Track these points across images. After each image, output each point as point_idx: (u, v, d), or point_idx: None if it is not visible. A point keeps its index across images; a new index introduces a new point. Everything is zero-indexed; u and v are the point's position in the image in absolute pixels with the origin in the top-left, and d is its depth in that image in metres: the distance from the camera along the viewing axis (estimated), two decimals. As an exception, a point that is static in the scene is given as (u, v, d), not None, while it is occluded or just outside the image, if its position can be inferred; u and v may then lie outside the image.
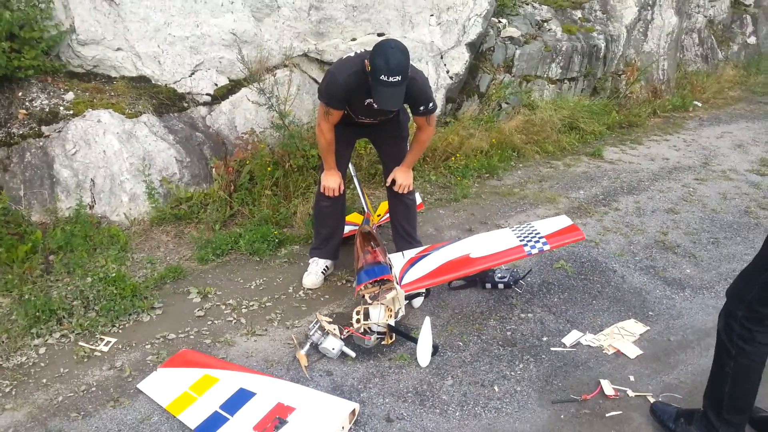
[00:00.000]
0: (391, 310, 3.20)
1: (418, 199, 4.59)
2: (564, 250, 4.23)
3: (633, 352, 3.14)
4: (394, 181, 3.69)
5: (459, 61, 6.26)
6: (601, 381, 2.90)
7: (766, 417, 2.62)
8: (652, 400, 2.80)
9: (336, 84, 3.25)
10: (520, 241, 3.48)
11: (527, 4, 7.69)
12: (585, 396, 2.81)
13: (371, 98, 3.22)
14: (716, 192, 5.48)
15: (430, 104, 3.35)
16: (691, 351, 3.20)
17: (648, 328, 3.37)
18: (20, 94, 4.61)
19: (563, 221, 3.63)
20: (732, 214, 4.98)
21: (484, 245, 3.53)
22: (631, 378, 2.96)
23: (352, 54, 3.30)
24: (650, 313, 3.53)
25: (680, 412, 2.60)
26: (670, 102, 8.34)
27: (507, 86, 6.64)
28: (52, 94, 4.69)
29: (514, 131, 6.30)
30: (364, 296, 3.27)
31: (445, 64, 6.20)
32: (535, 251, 3.42)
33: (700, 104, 8.74)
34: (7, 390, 2.84)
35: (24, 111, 4.56)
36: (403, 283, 3.35)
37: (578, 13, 8.03)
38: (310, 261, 3.89)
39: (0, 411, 2.71)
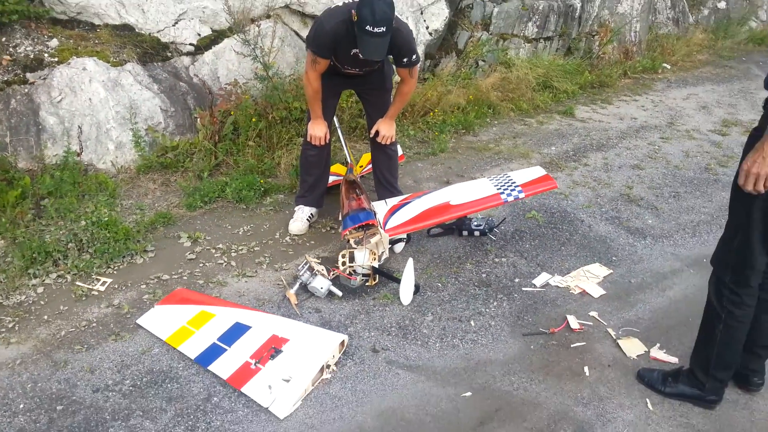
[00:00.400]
0: (375, 254, 3.41)
1: (400, 151, 4.76)
2: (535, 201, 4.47)
3: (597, 291, 3.42)
4: (377, 133, 3.84)
5: (439, 18, 6.36)
6: (568, 316, 3.18)
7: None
8: (612, 333, 3.09)
9: (323, 32, 3.36)
10: (497, 189, 3.69)
11: (505, -38, 7.76)
12: (553, 329, 3.08)
13: (357, 48, 3.35)
14: (680, 150, 5.76)
15: (414, 56, 3.49)
16: (649, 291, 3.49)
17: (611, 271, 3.65)
18: (4, 40, 4.60)
19: (537, 171, 3.85)
20: (693, 171, 5.27)
21: (463, 193, 3.74)
22: (594, 314, 3.24)
23: (340, 3, 3.40)
24: (613, 258, 3.81)
25: (665, 373, 2.76)
26: (640, 64, 8.56)
27: (484, 44, 6.76)
28: (36, 40, 4.69)
29: (491, 89, 6.46)
30: (349, 241, 3.46)
31: (425, 20, 6.30)
32: (511, 199, 3.64)
33: (669, 66, 8.98)
34: (11, 326, 2.99)
35: (8, 57, 4.57)
36: (386, 228, 3.54)
37: (555, -27, 8.13)
38: (296, 209, 4.04)
39: (6, 345, 2.87)
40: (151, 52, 5.03)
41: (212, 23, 5.25)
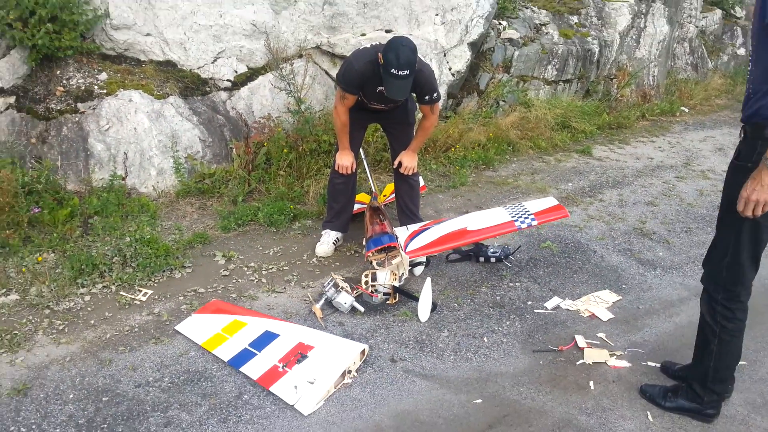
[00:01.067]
0: (395, 274, 3.65)
1: (421, 182, 5.03)
2: (550, 232, 4.69)
3: (605, 315, 3.60)
4: (400, 164, 4.12)
5: (461, 59, 6.69)
6: (576, 336, 3.36)
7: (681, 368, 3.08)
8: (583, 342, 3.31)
9: (352, 71, 3.68)
10: (512, 217, 3.92)
11: (527, 8, 8.14)
12: (561, 347, 3.27)
13: (382, 86, 3.65)
14: (694, 189, 5.95)
15: (435, 94, 3.79)
16: (656, 317, 3.66)
17: (620, 297, 3.83)
18: (58, 72, 5.03)
19: (550, 201, 4.07)
20: (706, 209, 5.44)
21: (480, 220, 3.97)
22: (602, 335, 3.42)
23: (368, 45, 3.73)
24: (624, 286, 3.99)
25: (666, 388, 2.92)
26: (658, 106, 8.81)
27: (505, 85, 7.08)
28: (87, 73, 5.11)
29: (510, 127, 6.74)
30: (372, 262, 3.71)
31: (447, 62, 6.63)
32: (524, 226, 3.86)
33: (687, 110, 9.21)
34: (61, 328, 3.27)
35: (62, 88, 4.98)
36: (407, 250, 3.78)
37: (575, 19, 8.48)
38: (323, 232, 4.31)
39: (56, 344, 3.14)
40: (192, 86, 5.42)
41: (248, 61, 5.64)
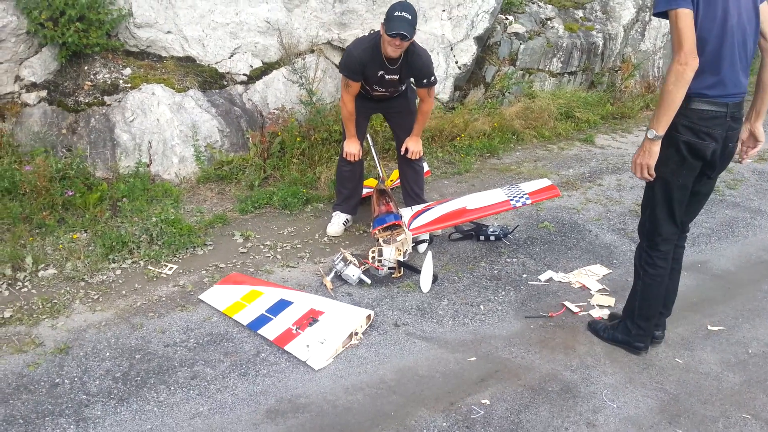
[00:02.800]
0: (400, 250, 3.94)
1: (426, 167, 5.32)
2: (549, 214, 4.96)
3: (595, 286, 3.87)
4: (407, 150, 4.40)
5: (467, 53, 6.95)
6: (565, 302, 3.65)
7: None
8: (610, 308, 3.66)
9: (352, 58, 3.98)
10: (508, 197, 4.21)
11: (533, 3, 8.37)
12: (552, 313, 3.55)
13: (383, 70, 3.96)
14: (691, 174, 6.17)
15: (432, 78, 4.07)
16: (643, 288, 3.92)
17: (610, 271, 4.11)
18: (86, 68, 5.38)
19: (544, 182, 4.35)
20: (701, 192, 5.66)
21: (478, 200, 4.26)
22: (591, 301, 3.70)
23: (366, 34, 4.02)
24: (615, 261, 4.26)
25: (608, 324, 3.39)
26: (662, 97, 9.00)
27: (510, 77, 7.34)
28: (112, 69, 5.45)
29: (515, 117, 7.00)
30: (378, 239, 4.01)
31: (454, 56, 6.90)
32: (519, 204, 4.14)
33: (691, 100, 9.39)
34: (96, 297, 3.61)
35: (89, 83, 5.33)
36: (411, 228, 4.08)
37: (580, 13, 8.70)
38: (333, 214, 4.60)
39: (92, 311, 3.48)
40: (210, 80, 5.75)
41: (263, 56, 5.95)
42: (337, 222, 4.53)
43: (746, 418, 2.85)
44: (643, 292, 3.12)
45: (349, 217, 4.61)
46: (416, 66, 3.95)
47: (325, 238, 4.46)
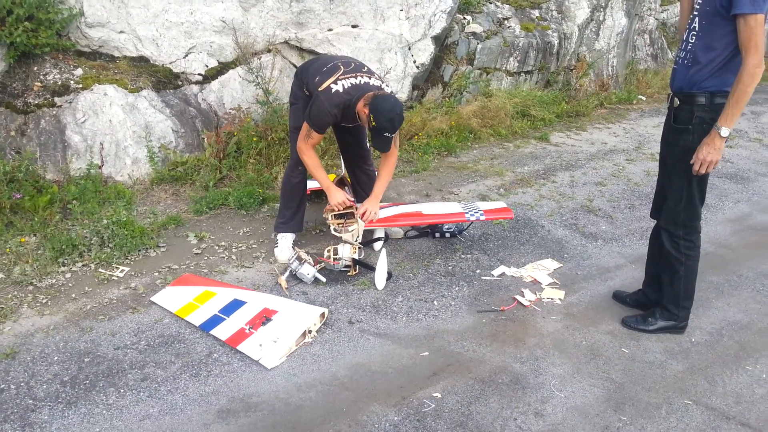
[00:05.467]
0: (355, 248, 3.96)
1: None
2: (504, 210, 5.05)
3: (546, 280, 3.96)
4: (356, 163, 4.35)
5: (425, 53, 7.01)
6: (516, 296, 3.72)
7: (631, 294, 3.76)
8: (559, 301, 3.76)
9: (327, 115, 3.71)
10: (463, 209, 4.29)
11: (490, 3, 8.48)
12: (503, 308, 3.62)
13: (351, 124, 3.92)
14: (642, 170, 6.34)
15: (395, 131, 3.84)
16: (592, 281, 4.02)
17: (561, 265, 4.20)
18: (36, 68, 5.27)
19: (500, 204, 4.45)
20: (651, 187, 5.78)
21: (434, 208, 4.35)
22: (542, 295, 3.77)
23: (341, 90, 3.68)
24: (565, 255, 4.35)
25: (642, 315, 3.53)
26: (616, 95, 9.22)
27: (468, 76, 7.42)
28: (63, 69, 5.35)
29: (472, 116, 7.09)
30: (330, 225, 4.03)
31: (412, 55, 6.95)
32: (473, 218, 4.20)
33: (644, 98, 9.64)
34: (44, 301, 3.54)
35: (39, 83, 5.22)
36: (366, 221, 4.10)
37: (536, 13, 8.85)
38: (278, 237, 4.22)
39: (41, 315, 3.42)
40: (164, 80, 5.68)
41: (218, 56, 5.91)
42: (286, 246, 4.16)
43: (688, 404, 2.95)
44: (686, 275, 3.33)
45: (295, 236, 4.35)
46: None
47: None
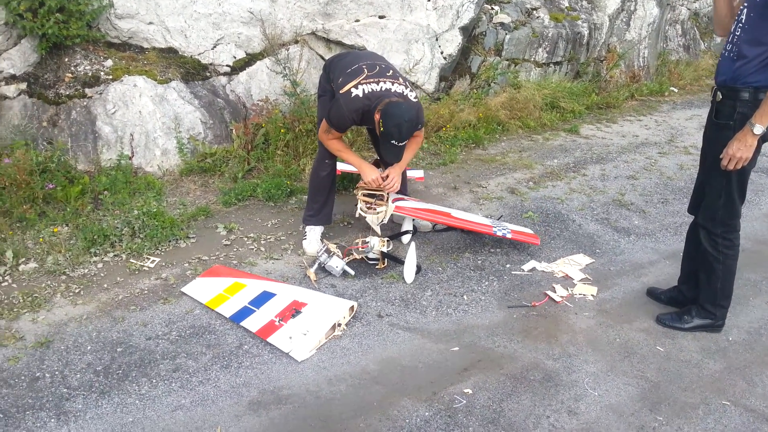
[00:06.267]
0: (384, 242, 3.94)
1: (421, 173, 5.41)
2: (533, 204, 4.99)
3: (578, 276, 3.89)
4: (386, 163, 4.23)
5: (452, 44, 6.94)
6: (547, 292, 3.66)
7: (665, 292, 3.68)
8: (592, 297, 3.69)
9: (345, 118, 3.69)
10: (492, 224, 4.23)
11: (518, -7, 8.36)
12: (534, 303, 3.57)
13: (371, 126, 3.83)
14: (675, 163, 6.21)
15: (420, 126, 3.85)
16: (625, 277, 3.95)
17: (593, 260, 4.13)
18: (66, 60, 5.31)
19: (530, 231, 4.34)
20: (684, 181, 5.71)
21: (464, 215, 4.32)
22: (574, 291, 3.72)
23: (360, 95, 3.62)
24: (597, 250, 4.28)
25: (678, 313, 3.46)
26: (647, 87, 9.05)
27: (496, 67, 7.33)
28: (93, 60, 5.39)
29: (500, 107, 7.01)
30: (359, 202, 3.98)
31: (439, 46, 6.88)
32: (499, 234, 4.11)
33: (676, 90, 9.45)
34: (77, 291, 3.58)
35: (70, 75, 5.27)
36: (396, 205, 4.05)
37: (565, 2, 8.71)
38: (307, 229, 4.21)
39: (74, 305, 3.45)
40: (193, 71, 5.70)
41: (246, 47, 5.91)
42: (315, 239, 4.14)
43: (725, 404, 2.89)
44: (724, 273, 3.26)
45: (324, 229, 4.33)
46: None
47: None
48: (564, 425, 2.71)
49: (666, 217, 4.90)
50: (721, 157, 2.99)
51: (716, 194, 3.14)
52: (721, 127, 3.02)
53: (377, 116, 3.62)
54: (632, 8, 9.30)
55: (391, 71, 3.80)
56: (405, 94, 3.70)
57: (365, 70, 3.71)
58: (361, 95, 3.62)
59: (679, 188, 5.53)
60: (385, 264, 3.94)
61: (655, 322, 3.47)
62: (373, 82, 3.66)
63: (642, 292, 3.78)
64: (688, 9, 11.62)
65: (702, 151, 3.27)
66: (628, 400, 2.88)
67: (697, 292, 3.41)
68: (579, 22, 8.42)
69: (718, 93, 3.01)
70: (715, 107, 3.06)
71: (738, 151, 2.90)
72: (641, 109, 8.32)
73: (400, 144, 3.62)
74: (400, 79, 3.77)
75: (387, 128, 3.56)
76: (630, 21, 9.31)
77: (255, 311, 3.35)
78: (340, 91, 3.68)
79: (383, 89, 3.65)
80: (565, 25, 8.21)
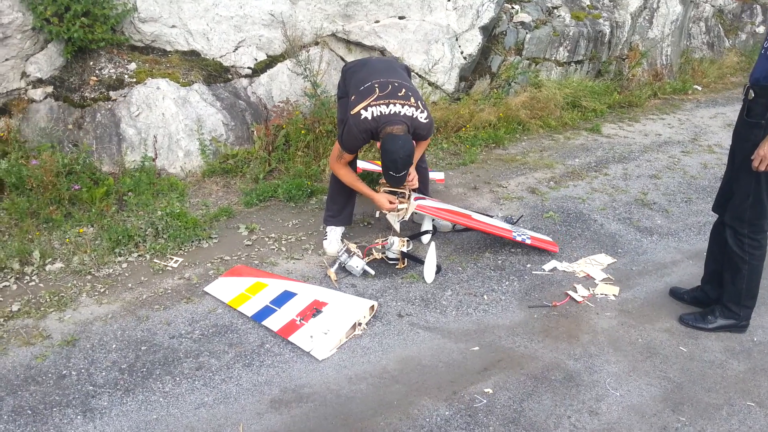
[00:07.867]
0: (404, 242, 3.95)
1: (441, 174, 5.40)
2: (554, 204, 4.95)
3: (599, 276, 3.87)
4: None
5: (472, 43, 6.93)
6: (569, 292, 3.64)
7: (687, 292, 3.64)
8: (614, 297, 3.66)
9: (355, 139, 3.72)
10: (512, 229, 4.21)
11: (539, -8, 8.32)
12: (555, 303, 3.55)
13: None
14: (698, 162, 6.13)
15: (430, 135, 3.93)
16: (648, 277, 3.91)
17: (615, 260, 4.09)
18: (91, 63, 5.41)
19: (548, 238, 4.31)
20: (708, 180, 5.64)
21: (484, 218, 4.30)
22: (595, 291, 3.69)
23: (369, 117, 3.61)
24: (620, 250, 4.24)
25: (703, 313, 3.42)
26: (670, 85, 8.93)
27: (516, 67, 7.30)
28: (117, 64, 5.48)
29: (520, 107, 6.97)
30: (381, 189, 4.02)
31: (459, 46, 6.87)
32: (518, 239, 4.10)
33: (699, 88, 9.32)
34: (102, 291, 3.64)
35: (95, 78, 5.36)
36: (417, 204, 4.07)
37: (587, 1, 8.64)
38: (328, 229, 4.24)
39: (99, 304, 3.51)
40: (215, 74, 5.76)
41: (267, 50, 5.96)
42: (335, 239, 4.17)
43: (750, 405, 2.85)
44: (750, 274, 3.23)
45: (345, 229, 4.36)
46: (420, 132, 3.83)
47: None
48: (585, 425, 2.69)
49: (689, 217, 4.84)
50: (752, 158, 2.96)
51: (744, 194, 3.11)
52: (752, 125, 2.99)
53: (378, 144, 3.70)
54: (655, 6, 9.19)
55: (403, 90, 3.73)
56: (414, 116, 3.67)
57: (377, 90, 3.67)
58: (370, 117, 3.62)
59: (703, 187, 5.46)
60: (405, 264, 3.95)
61: (677, 322, 3.43)
62: (383, 104, 3.62)
63: (665, 292, 3.74)
64: (712, 6, 11.45)
65: (731, 149, 3.23)
66: (650, 400, 2.85)
67: (721, 292, 3.38)
68: (600, 20, 8.35)
69: (750, 91, 2.97)
70: (747, 105, 3.03)
71: None
72: (664, 108, 8.22)
73: (398, 175, 3.66)
74: (412, 99, 3.71)
75: (384, 162, 3.63)
76: (652, 19, 9.20)
77: (276, 310, 3.38)
78: (351, 112, 3.67)
79: (392, 112, 3.62)
80: (587, 23, 8.15)
